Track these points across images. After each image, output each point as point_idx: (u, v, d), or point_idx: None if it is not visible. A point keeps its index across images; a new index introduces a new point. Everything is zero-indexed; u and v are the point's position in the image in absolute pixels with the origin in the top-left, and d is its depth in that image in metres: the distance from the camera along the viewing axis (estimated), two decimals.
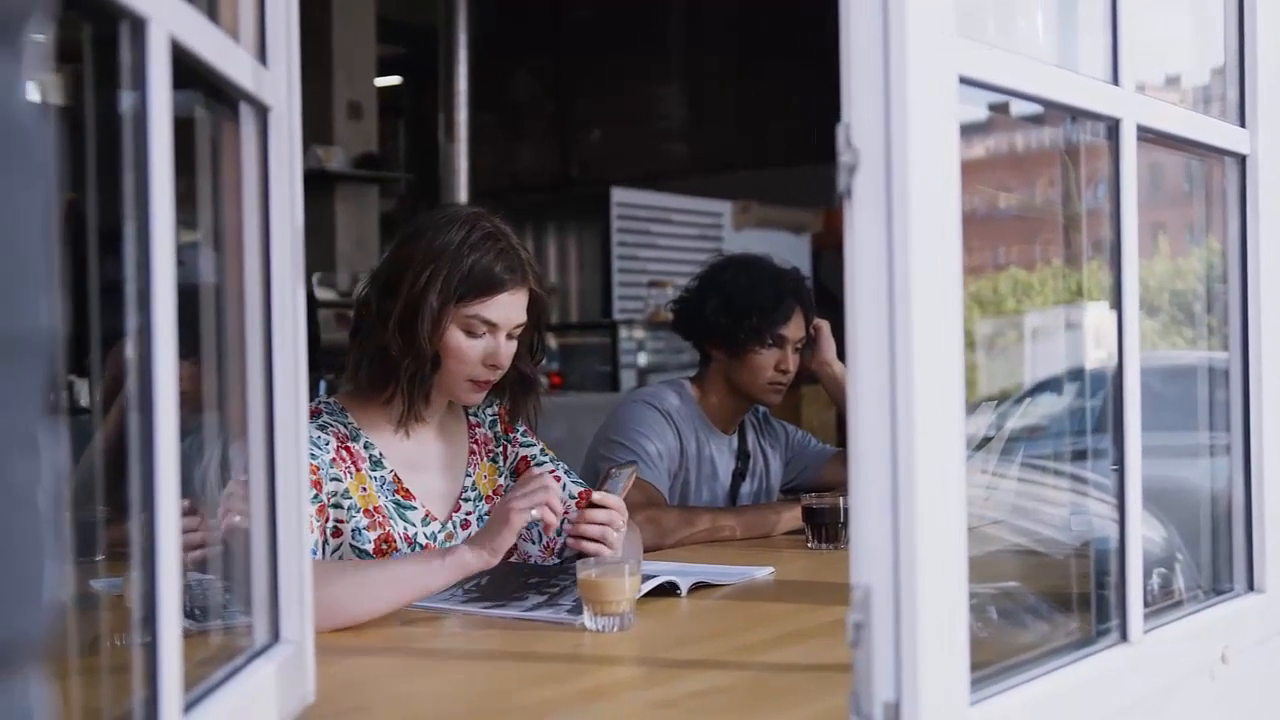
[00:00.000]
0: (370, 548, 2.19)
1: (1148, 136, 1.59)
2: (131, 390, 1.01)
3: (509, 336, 2.27)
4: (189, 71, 1.12)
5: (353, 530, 2.19)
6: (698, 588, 2.21)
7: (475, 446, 2.42)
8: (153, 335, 1.00)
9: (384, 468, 2.26)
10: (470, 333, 2.23)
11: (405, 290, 2.20)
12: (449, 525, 2.32)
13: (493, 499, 2.39)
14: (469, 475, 2.39)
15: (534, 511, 2.02)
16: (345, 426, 2.26)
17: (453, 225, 2.23)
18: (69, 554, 0.58)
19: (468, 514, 2.36)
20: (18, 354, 0.53)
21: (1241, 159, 1.84)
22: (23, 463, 0.53)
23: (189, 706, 1.09)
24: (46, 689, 0.58)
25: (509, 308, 2.25)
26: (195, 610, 1.35)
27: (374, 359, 2.24)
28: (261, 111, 1.35)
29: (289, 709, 1.38)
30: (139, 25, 0.99)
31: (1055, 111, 1.61)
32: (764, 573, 2.38)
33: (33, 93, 0.57)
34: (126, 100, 1.01)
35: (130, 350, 1.00)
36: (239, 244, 1.36)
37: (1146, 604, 1.57)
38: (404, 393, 2.25)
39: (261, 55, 1.36)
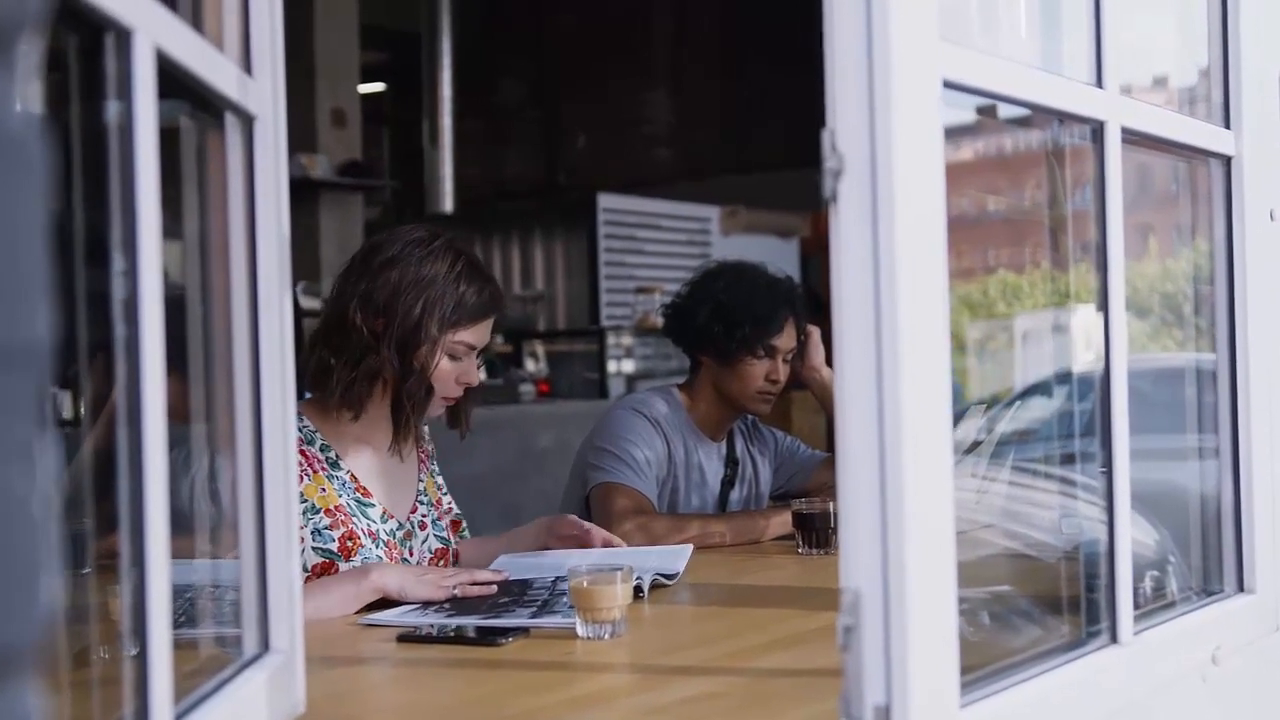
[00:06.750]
0: (335, 546, 2.26)
1: (1132, 139, 1.59)
2: (119, 401, 1.01)
3: (478, 355, 2.40)
4: (173, 81, 1.11)
5: (313, 532, 2.25)
6: (657, 587, 2.24)
7: (423, 456, 2.54)
8: (140, 346, 1.00)
9: (342, 469, 2.34)
10: (453, 356, 2.35)
11: (400, 317, 2.28)
12: (407, 524, 2.42)
13: (438, 505, 2.52)
14: (420, 481, 2.50)
15: (456, 590, 2.15)
16: (300, 430, 2.30)
17: (434, 255, 2.32)
18: (62, 564, 0.59)
19: (423, 516, 2.47)
20: (15, 364, 0.53)
21: (1227, 160, 1.84)
22: (19, 472, 0.53)
23: (179, 717, 1.08)
24: (42, 698, 0.58)
25: (488, 332, 2.40)
26: (181, 619, 1.34)
27: (366, 379, 2.30)
28: (247, 121, 1.35)
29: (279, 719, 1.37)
30: (124, 35, 0.99)
31: (1042, 114, 1.61)
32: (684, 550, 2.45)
33: (26, 103, 0.57)
34: (111, 110, 1.01)
35: (119, 361, 1.00)
36: (224, 254, 1.36)
37: (1138, 606, 1.57)
38: (408, 415, 2.34)
39: (246, 65, 1.35)
